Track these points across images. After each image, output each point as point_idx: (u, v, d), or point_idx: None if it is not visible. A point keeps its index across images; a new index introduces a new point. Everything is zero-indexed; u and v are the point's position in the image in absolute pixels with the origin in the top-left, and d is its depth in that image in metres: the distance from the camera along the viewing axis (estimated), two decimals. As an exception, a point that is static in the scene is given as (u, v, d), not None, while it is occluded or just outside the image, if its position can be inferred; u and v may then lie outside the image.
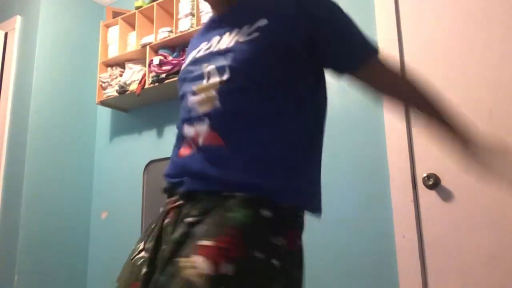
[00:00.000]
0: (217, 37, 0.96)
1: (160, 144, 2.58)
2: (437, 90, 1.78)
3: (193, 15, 2.32)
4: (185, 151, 0.90)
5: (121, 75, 2.58)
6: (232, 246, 0.73)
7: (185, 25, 2.32)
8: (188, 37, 2.32)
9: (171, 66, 2.30)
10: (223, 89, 0.87)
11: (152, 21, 2.53)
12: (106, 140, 2.85)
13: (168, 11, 2.49)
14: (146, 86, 2.38)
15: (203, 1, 1.16)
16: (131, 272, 0.87)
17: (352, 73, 0.99)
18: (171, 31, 2.41)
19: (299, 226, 0.88)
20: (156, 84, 2.33)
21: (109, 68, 2.68)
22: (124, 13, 2.65)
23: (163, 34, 2.41)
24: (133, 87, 2.46)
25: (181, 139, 0.93)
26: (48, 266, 2.48)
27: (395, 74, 0.97)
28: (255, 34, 0.89)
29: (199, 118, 0.88)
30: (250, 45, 0.88)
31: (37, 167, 2.51)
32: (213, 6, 1.04)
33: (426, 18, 1.85)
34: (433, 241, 1.68)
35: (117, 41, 2.63)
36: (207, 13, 2.23)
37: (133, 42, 2.58)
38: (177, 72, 2.29)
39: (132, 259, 0.90)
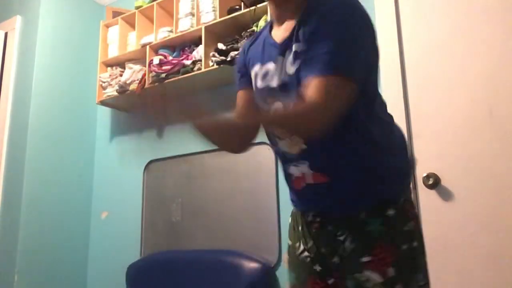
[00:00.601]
0: (272, 64, 0.98)
1: (160, 144, 2.58)
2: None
3: (193, 15, 2.32)
4: (299, 184, 1.01)
5: (121, 75, 2.58)
6: (385, 254, 0.89)
7: (185, 24, 2.32)
8: (188, 36, 2.32)
9: (171, 66, 2.30)
10: None
11: (152, 21, 2.52)
12: (106, 140, 2.85)
13: (168, 11, 2.49)
14: (146, 85, 2.37)
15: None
16: (303, 267, 1.03)
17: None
18: (171, 31, 2.40)
19: (412, 204, 1.01)
20: (156, 83, 2.33)
21: (109, 68, 2.68)
22: (124, 13, 2.65)
23: (163, 33, 2.41)
24: (133, 87, 2.45)
25: (286, 173, 1.04)
26: (48, 266, 2.48)
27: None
28: (297, 62, 0.93)
29: (295, 160, 0.97)
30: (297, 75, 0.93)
31: (37, 167, 2.51)
32: (274, 14, 1.03)
33: (426, 18, 1.85)
34: (433, 241, 1.67)
35: (117, 41, 2.63)
36: (207, 12, 2.23)
37: (133, 42, 2.58)
38: (177, 72, 2.29)
39: (298, 257, 1.05)
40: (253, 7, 2.06)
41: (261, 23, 2.07)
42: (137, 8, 2.58)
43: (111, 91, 2.56)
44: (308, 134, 0.91)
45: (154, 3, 2.49)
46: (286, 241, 1.99)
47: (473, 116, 1.68)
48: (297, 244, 1.06)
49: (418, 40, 1.85)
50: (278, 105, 0.95)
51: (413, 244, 0.94)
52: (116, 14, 2.71)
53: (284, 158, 1.02)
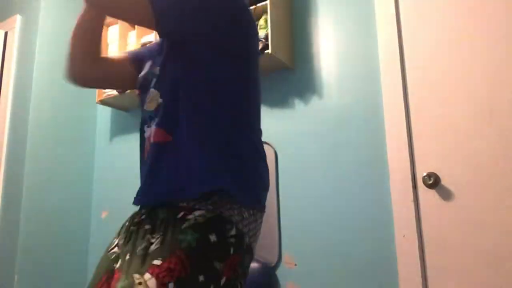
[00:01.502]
0: None
1: (160, 143, 2.58)
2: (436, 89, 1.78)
3: (193, 14, 2.32)
4: (146, 151, 0.93)
5: (121, 75, 2.57)
6: (178, 267, 0.75)
7: (185, 24, 2.32)
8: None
9: (171, 66, 2.30)
10: (158, 84, 0.94)
11: (152, 21, 2.52)
12: (106, 139, 2.85)
13: (168, 10, 2.49)
14: (146, 85, 2.37)
15: None
16: (104, 264, 0.91)
17: None
18: (171, 31, 2.40)
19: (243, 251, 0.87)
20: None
21: (109, 68, 2.67)
22: (124, 13, 2.64)
23: (163, 33, 2.41)
24: (133, 86, 2.45)
25: (143, 141, 0.97)
26: (48, 266, 2.48)
27: None
28: None
29: (152, 118, 0.92)
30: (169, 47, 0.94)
31: (37, 167, 2.51)
32: None
33: (426, 18, 1.85)
34: (433, 241, 1.68)
35: (117, 40, 2.63)
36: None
37: (133, 42, 2.58)
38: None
39: (108, 252, 0.94)
40: (253, 6, 2.06)
41: (261, 22, 2.07)
42: (137, 7, 2.58)
43: (111, 90, 2.56)
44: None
45: (154, 2, 2.48)
46: (286, 241, 2.00)
47: (473, 116, 1.68)
48: (114, 241, 0.97)
49: (418, 40, 1.85)
50: (157, 62, 0.97)
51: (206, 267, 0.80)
52: (116, 13, 2.71)
53: (143, 122, 0.96)
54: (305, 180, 2.01)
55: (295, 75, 2.15)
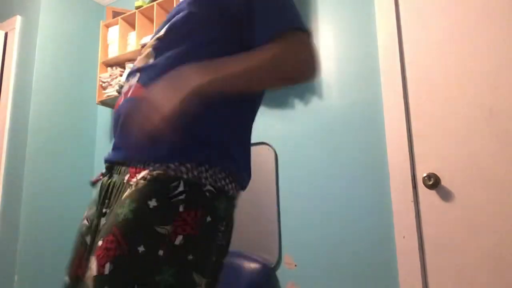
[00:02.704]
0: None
1: (160, 144, 2.58)
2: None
3: (193, 15, 2.32)
4: (117, 104, 0.88)
5: (121, 75, 2.58)
6: (113, 245, 0.71)
7: (185, 25, 2.32)
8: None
9: (171, 66, 2.30)
10: (157, 45, 0.87)
11: (152, 21, 2.53)
12: (106, 140, 2.85)
13: (168, 11, 2.49)
14: (146, 86, 2.37)
15: None
16: (79, 238, 0.87)
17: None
18: (171, 31, 2.40)
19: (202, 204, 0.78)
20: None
21: (109, 68, 2.68)
22: (124, 13, 2.65)
23: (163, 34, 2.41)
24: (133, 87, 2.46)
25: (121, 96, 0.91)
26: (48, 266, 2.48)
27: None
28: None
29: (133, 73, 0.88)
30: (184, 3, 0.89)
31: (37, 167, 2.51)
32: None
33: (426, 18, 1.85)
34: (433, 241, 1.68)
35: (117, 41, 2.63)
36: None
37: (133, 42, 2.58)
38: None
39: (80, 227, 0.89)
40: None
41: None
42: (137, 8, 2.58)
43: (111, 91, 2.56)
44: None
45: (154, 3, 2.49)
46: (286, 241, 2.00)
47: (473, 116, 1.68)
48: (85, 211, 0.91)
49: (418, 40, 1.85)
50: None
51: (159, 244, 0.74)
52: (116, 14, 2.71)
53: (127, 76, 0.91)
54: (305, 180, 2.01)
55: (295, 76, 2.15)
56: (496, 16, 1.70)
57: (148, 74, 0.83)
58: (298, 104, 2.11)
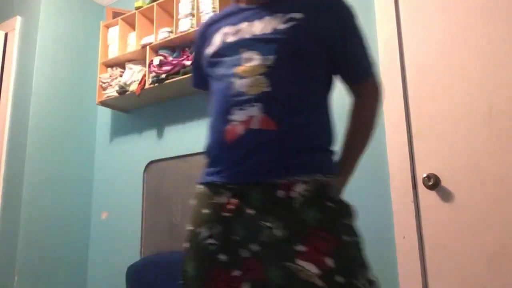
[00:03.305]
0: (245, 23, 1.02)
1: (160, 144, 2.58)
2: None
3: (193, 15, 2.32)
4: (233, 135, 0.91)
5: (121, 76, 2.58)
6: (322, 243, 0.83)
7: (185, 25, 2.32)
8: (188, 37, 2.32)
9: (171, 67, 2.30)
10: (270, 73, 0.92)
11: (152, 21, 2.53)
12: (106, 140, 2.85)
13: (168, 11, 2.49)
14: (146, 86, 2.37)
15: None
16: (205, 257, 0.92)
17: (354, 85, 1.11)
18: (171, 31, 2.41)
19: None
20: (156, 84, 2.33)
21: (109, 69, 2.68)
22: (124, 13, 2.65)
23: (163, 34, 2.41)
24: (133, 87, 2.46)
25: (224, 122, 0.93)
26: (48, 266, 2.48)
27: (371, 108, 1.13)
28: (292, 23, 0.96)
29: (249, 101, 0.91)
30: (291, 32, 0.96)
31: (37, 167, 2.51)
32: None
33: (426, 18, 1.85)
34: (433, 241, 1.67)
35: (117, 41, 2.63)
36: (207, 13, 2.24)
37: (133, 43, 2.58)
38: (177, 73, 2.28)
39: (201, 244, 0.93)
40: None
41: (261, 23, 2.07)
42: (137, 8, 2.58)
43: (111, 92, 2.56)
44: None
45: (154, 3, 2.49)
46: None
47: (473, 116, 1.68)
48: (200, 230, 0.94)
49: (418, 40, 1.85)
50: (250, 54, 0.96)
51: (355, 238, 0.89)
52: (116, 14, 2.71)
53: (230, 101, 0.93)
54: (305, 180, 2.01)
55: (295, 76, 2.15)
56: (496, 16, 1.70)
57: (273, 108, 0.90)
58: (298, 105, 2.11)
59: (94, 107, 2.86)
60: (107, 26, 2.72)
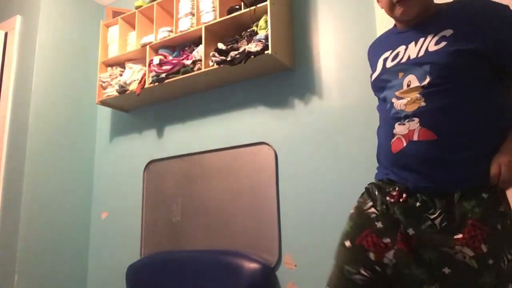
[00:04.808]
0: (403, 47, 1.15)
1: (160, 144, 2.58)
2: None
3: (193, 14, 2.32)
4: (399, 146, 1.09)
5: (121, 75, 2.58)
6: (478, 232, 0.97)
7: (185, 24, 2.32)
8: (188, 36, 2.32)
9: (171, 66, 2.30)
10: (425, 92, 1.05)
11: (152, 21, 2.53)
12: (106, 140, 2.85)
13: (168, 10, 2.49)
14: (146, 85, 2.37)
15: (395, 20, 1.26)
16: (364, 219, 1.14)
17: None
18: (171, 31, 2.40)
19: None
20: (156, 83, 2.33)
21: (109, 68, 2.68)
22: (124, 13, 2.65)
23: (163, 33, 2.41)
24: (133, 86, 2.45)
25: (389, 136, 1.12)
26: (48, 266, 2.48)
27: None
28: (443, 43, 1.06)
29: (408, 117, 1.07)
30: (441, 53, 1.05)
31: (37, 167, 2.51)
32: (402, 22, 1.21)
33: (427, 18, 1.84)
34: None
35: (117, 40, 2.63)
36: (207, 12, 2.23)
37: (133, 42, 2.58)
38: (177, 72, 2.28)
39: (364, 211, 1.15)
40: (253, 7, 2.06)
41: (261, 23, 2.07)
42: (137, 8, 2.58)
43: (111, 91, 2.56)
44: None
45: (154, 3, 2.48)
46: (286, 241, 1.99)
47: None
48: (367, 202, 1.16)
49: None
50: (407, 78, 1.09)
51: (507, 222, 1.00)
52: (116, 14, 2.71)
53: (390, 118, 1.11)
54: (305, 180, 2.01)
55: (295, 76, 2.15)
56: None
57: (429, 120, 1.04)
58: (298, 104, 2.11)
59: (94, 106, 2.86)
60: (107, 26, 2.72)
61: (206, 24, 2.21)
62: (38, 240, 2.45)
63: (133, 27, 2.61)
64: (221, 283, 1.99)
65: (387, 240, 1.08)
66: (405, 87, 1.09)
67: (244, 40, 2.11)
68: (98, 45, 2.71)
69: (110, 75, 2.61)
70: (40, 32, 2.64)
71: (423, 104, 1.05)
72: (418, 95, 1.06)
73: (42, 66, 2.62)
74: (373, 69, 1.26)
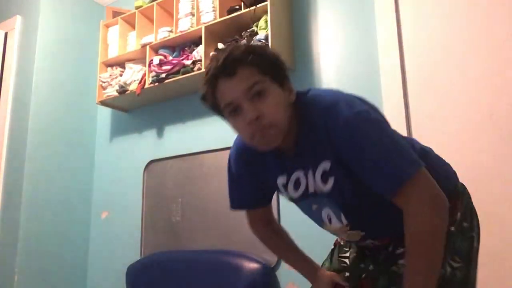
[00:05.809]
0: (297, 174, 1.05)
1: (160, 144, 2.58)
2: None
3: (193, 14, 2.32)
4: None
5: (121, 75, 2.58)
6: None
7: (185, 24, 2.32)
8: (188, 37, 2.32)
9: (171, 66, 2.30)
10: (350, 225, 1.09)
11: (152, 21, 2.52)
12: (106, 140, 2.85)
13: (168, 11, 2.49)
14: (146, 86, 2.37)
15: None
16: (340, 266, 1.28)
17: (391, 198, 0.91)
18: (171, 31, 2.40)
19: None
20: (156, 84, 2.33)
21: (109, 68, 2.68)
22: (124, 13, 2.65)
23: (163, 33, 2.41)
24: (133, 87, 2.46)
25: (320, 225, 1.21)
26: (48, 266, 2.48)
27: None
28: (331, 179, 0.99)
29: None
30: (340, 191, 1.00)
31: (37, 167, 2.51)
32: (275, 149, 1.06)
33: (426, 19, 1.85)
34: (433, 241, 1.67)
35: (117, 41, 2.63)
36: (207, 12, 2.23)
37: (133, 42, 2.58)
38: (177, 72, 2.28)
39: (338, 256, 1.32)
40: (253, 7, 2.06)
41: (261, 23, 2.07)
42: (137, 8, 2.58)
43: (111, 91, 2.56)
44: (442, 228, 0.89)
45: (154, 3, 2.48)
46: (286, 241, 1.98)
47: (473, 118, 1.67)
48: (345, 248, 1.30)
49: (418, 42, 1.85)
50: (327, 211, 1.09)
51: (450, 229, 0.99)
52: (116, 14, 2.71)
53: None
54: (305, 180, 2.00)
55: (295, 76, 2.15)
56: (497, 17, 1.69)
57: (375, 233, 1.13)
58: (298, 104, 2.11)
59: (94, 106, 2.86)
60: (107, 26, 2.72)
61: (206, 24, 2.22)
62: (38, 240, 2.45)
63: (133, 27, 2.61)
64: (221, 283, 1.99)
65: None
66: (329, 224, 1.13)
67: (244, 40, 2.11)
68: (98, 45, 2.71)
69: (110, 75, 2.61)
70: (40, 32, 2.64)
71: (362, 233, 1.12)
72: (343, 226, 1.10)
73: (42, 66, 2.62)
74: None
